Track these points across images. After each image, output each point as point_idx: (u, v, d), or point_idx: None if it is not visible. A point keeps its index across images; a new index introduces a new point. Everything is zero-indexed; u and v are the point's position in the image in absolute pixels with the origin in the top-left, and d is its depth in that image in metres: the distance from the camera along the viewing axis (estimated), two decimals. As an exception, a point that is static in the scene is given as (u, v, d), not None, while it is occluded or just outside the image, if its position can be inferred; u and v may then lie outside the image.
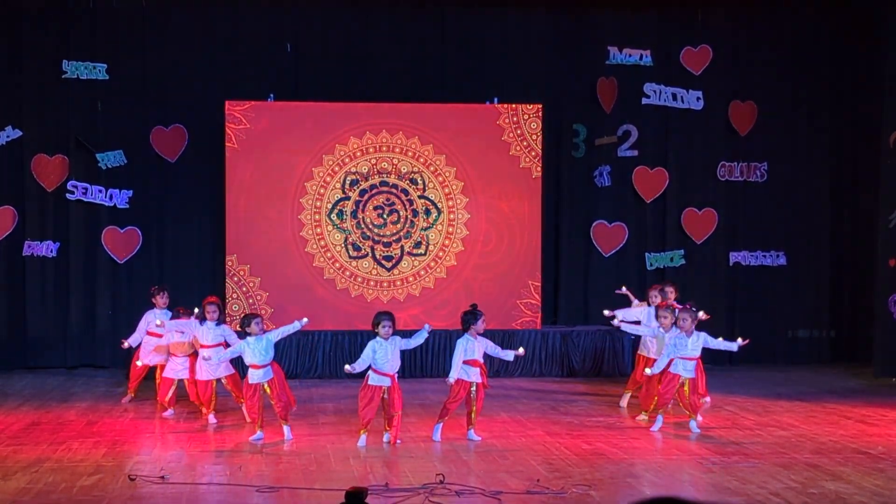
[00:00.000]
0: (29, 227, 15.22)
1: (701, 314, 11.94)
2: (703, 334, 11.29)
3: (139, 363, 12.56)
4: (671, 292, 12.54)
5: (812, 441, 10.68)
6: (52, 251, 15.23)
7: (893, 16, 14.95)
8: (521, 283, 15.14)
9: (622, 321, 12.26)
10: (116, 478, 9.05)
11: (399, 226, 15.07)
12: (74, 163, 15.21)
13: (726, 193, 16.28)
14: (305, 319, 10.89)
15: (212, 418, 11.52)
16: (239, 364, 11.59)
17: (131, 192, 15.31)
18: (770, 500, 8.47)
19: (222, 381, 11.67)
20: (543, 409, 12.49)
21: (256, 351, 10.65)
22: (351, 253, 14.98)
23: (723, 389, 13.53)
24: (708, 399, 12.22)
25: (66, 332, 15.30)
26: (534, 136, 15.16)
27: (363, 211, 15.01)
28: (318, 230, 14.93)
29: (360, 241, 15.00)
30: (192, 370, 11.81)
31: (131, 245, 15.32)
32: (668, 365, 11.24)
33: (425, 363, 14.63)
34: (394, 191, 15.06)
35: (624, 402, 12.54)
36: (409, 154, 15.04)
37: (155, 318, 12.39)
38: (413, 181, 15.05)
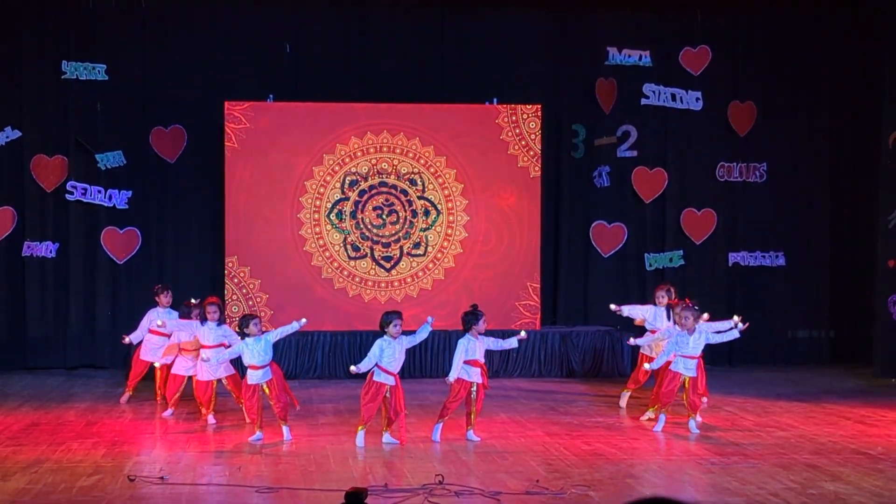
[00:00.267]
0: (28, 228, 15.22)
1: (705, 316, 11.94)
2: (704, 332, 11.29)
3: (142, 358, 12.61)
4: (673, 292, 12.55)
5: (811, 441, 10.68)
6: (51, 252, 15.23)
7: (893, 16, 14.95)
8: (520, 285, 15.14)
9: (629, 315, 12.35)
10: (116, 478, 9.05)
11: (398, 226, 15.07)
12: (74, 163, 15.21)
13: (726, 194, 16.28)
14: (304, 320, 10.89)
15: (211, 419, 11.53)
16: (238, 364, 11.59)
17: (131, 192, 15.31)
18: (769, 501, 8.46)
19: (223, 381, 11.67)
20: (543, 409, 12.49)
21: (255, 352, 10.65)
22: (350, 253, 14.98)
23: (722, 390, 13.53)
24: (706, 399, 12.21)
25: (65, 333, 15.30)
26: (532, 136, 15.16)
27: (362, 211, 15.01)
28: (318, 229, 14.93)
29: (360, 242, 15.00)
30: None
31: (131, 245, 15.32)
32: (669, 363, 11.24)
33: (425, 363, 14.62)
34: (393, 191, 15.06)
35: (623, 402, 12.53)
36: (410, 155, 15.04)
37: (157, 317, 12.44)
38: (412, 182, 15.05)
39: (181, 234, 15.51)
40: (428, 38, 15.84)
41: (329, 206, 14.96)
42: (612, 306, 12.57)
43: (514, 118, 15.14)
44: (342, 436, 10.79)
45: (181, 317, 12.20)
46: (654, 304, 12.47)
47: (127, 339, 12.77)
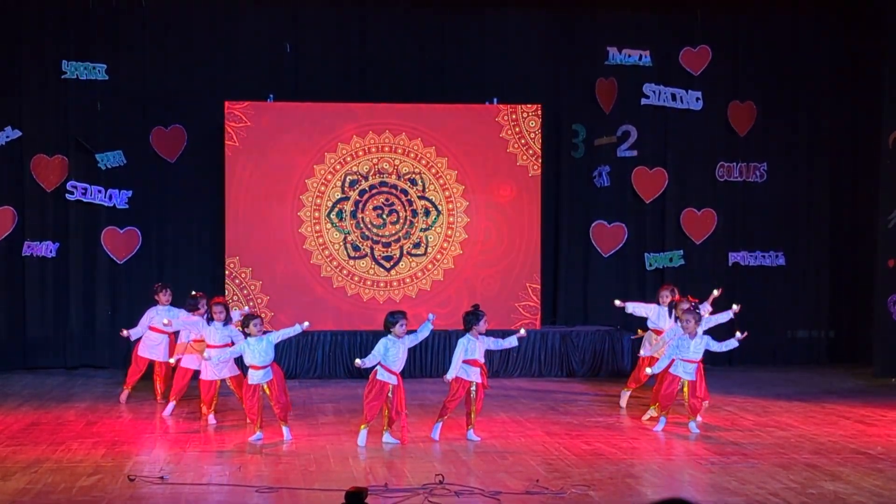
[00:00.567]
0: (28, 228, 15.22)
1: (707, 308, 11.95)
2: (706, 337, 11.29)
3: (140, 354, 12.65)
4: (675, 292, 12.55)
5: (811, 441, 10.68)
6: (51, 251, 15.23)
7: (893, 16, 14.95)
8: (519, 286, 15.13)
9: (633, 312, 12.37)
10: (116, 478, 9.05)
11: (398, 226, 15.08)
12: (74, 163, 15.21)
13: (725, 194, 16.28)
14: (307, 323, 10.87)
15: (211, 418, 11.53)
16: (239, 364, 11.58)
17: (131, 192, 15.31)
18: (769, 501, 8.47)
19: (227, 381, 11.67)
20: (543, 409, 12.49)
21: (256, 352, 10.66)
22: (350, 253, 14.99)
23: (722, 390, 13.54)
24: (707, 402, 12.20)
25: (65, 333, 15.30)
26: (532, 135, 15.16)
27: (363, 211, 15.01)
28: (318, 227, 14.93)
29: (360, 242, 15.01)
30: None
31: (131, 245, 15.32)
32: (669, 366, 11.24)
33: (425, 363, 14.63)
34: (393, 191, 15.06)
35: (623, 402, 12.54)
36: (411, 155, 15.04)
37: (157, 315, 12.50)
38: (412, 182, 15.05)
39: (181, 234, 15.52)
40: (428, 38, 15.85)
41: (329, 205, 14.96)
42: (617, 302, 12.57)
43: (513, 117, 15.14)
44: (342, 436, 10.80)
45: (187, 309, 12.20)
46: (658, 304, 12.47)
47: (125, 333, 12.77)
